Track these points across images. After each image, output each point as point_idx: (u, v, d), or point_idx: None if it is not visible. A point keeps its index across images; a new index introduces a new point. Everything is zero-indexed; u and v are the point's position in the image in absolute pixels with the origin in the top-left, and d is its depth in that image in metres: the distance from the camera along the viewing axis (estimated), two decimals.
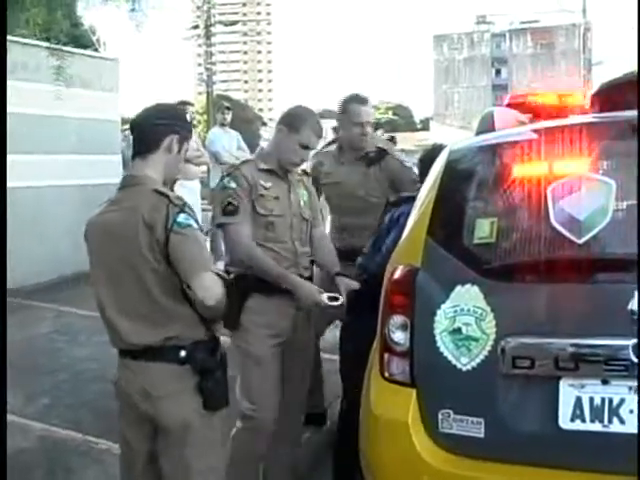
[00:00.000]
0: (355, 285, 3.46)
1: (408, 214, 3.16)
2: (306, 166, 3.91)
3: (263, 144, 3.76)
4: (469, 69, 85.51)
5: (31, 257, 8.09)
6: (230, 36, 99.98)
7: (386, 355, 2.61)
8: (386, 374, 2.62)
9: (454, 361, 2.43)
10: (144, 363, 2.64)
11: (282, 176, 3.53)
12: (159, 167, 2.74)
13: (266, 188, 3.44)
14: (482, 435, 2.38)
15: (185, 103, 9.01)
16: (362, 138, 4.35)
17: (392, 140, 4.55)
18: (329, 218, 4.69)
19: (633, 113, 2.48)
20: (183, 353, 2.62)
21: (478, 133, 3.02)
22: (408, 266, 2.60)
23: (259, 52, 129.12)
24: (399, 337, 2.57)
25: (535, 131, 2.64)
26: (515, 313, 2.40)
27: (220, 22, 47.09)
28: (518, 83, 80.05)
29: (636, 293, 2.20)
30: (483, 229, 2.48)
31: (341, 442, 3.61)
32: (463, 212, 2.57)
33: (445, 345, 2.45)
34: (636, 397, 2.23)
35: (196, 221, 2.64)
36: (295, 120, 3.49)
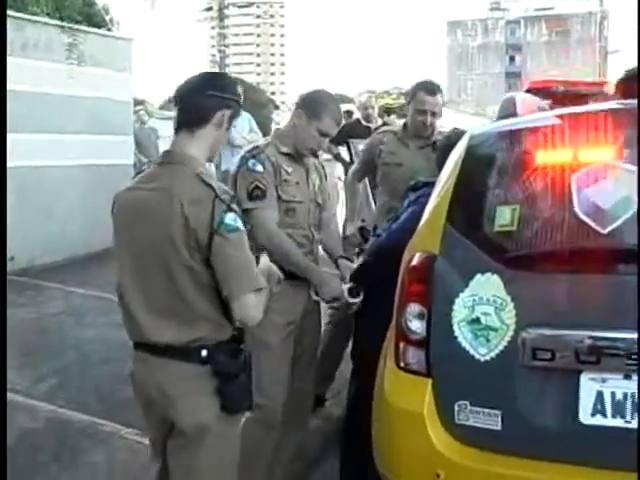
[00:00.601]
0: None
1: (428, 195, 3.09)
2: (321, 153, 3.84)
3: (276, 127, 3.64)
4: (483, 56, 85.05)
5: (41, 236, 8.08)
6: (243, 18, 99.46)
7: (402, 344, 2.55)
8: (401, 363, 2.55)
9: (472, 351, 2.37)
10: (163, 360, 2.41)
11: (299, 160, 3.44)
12: (206, 144, 2.46)
13: (288, 173, 3.34)
14: (499, 428, 2.32)
15: None
16: (423, 126, 4.37)
17: None
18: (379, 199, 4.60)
19: None
20: (204, 353, 2.39)
21: (499, 118, 2.95)
22: (426, 253, 2.53)
23: (272, 35, 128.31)
24: (416, 326, 2.50)
25: (559, 117, 2.56)
26: (536, 303, 2.33)
27: (234, 4, 46.91)
28: (532, 71, 79.56)
29: None
30: (504, 216, 2.41)
31: (349, 426, 3.57)
32: (484, 199, 2.49)
33: (463, 335, 2.38)
34: None
35: (242, 219, 2.38)
36: (316, 106, 3.36)
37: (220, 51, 38.81)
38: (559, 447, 2.26)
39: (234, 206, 2.35)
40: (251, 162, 3.29)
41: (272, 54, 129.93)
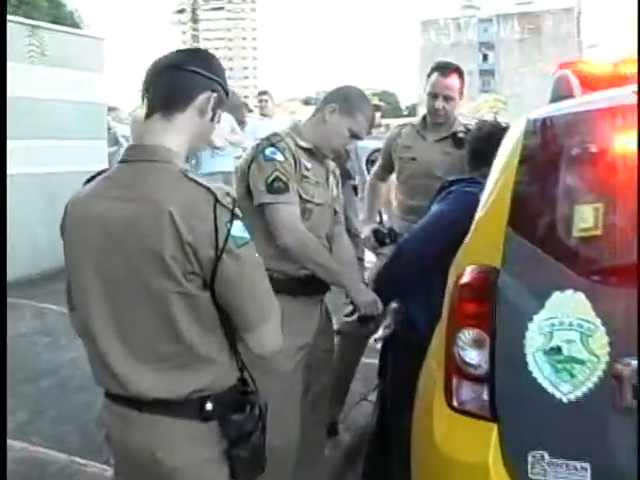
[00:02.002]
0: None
1: (461, 192, 2.83)
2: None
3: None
4: (456, 54, 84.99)
5: (7, 249, 7.48)
6: (215, 22, 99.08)
7: (454, 379, 2.07)
8: (454, 403, 2.08)
9: (551, 389, 1.90)
10: (152, 417, 1.87)
11: (319, 159, 3.01)
12: (185, 134, 1.91)
13: (307, 169, 2.90)
14: None
15: None
16: (435, 112, 3.98)
17: None
18: (397, 198, 4.27)
19: None
20: (209, 406, 1.86)
21: (553, 100, 2.48)
22: (483, 266, 2.05)
23: (244, 39, 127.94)
24: (472, 357, 2.03)
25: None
26: (635, 327, 1.86)
27: (204, 7, 46.48)
28: (505, 68, 80.00)
29: None
30: (585, 218, 1.93)
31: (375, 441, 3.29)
32: (556, 197, 2.01)
33: (539, 368, 1.91)
34: None
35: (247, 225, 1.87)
36: (351, 103, 2.96)
37: None
38: None
39: (237, 210, 1.82)
40: (269, 150, 2.81)
41: (244, 58, 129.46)
